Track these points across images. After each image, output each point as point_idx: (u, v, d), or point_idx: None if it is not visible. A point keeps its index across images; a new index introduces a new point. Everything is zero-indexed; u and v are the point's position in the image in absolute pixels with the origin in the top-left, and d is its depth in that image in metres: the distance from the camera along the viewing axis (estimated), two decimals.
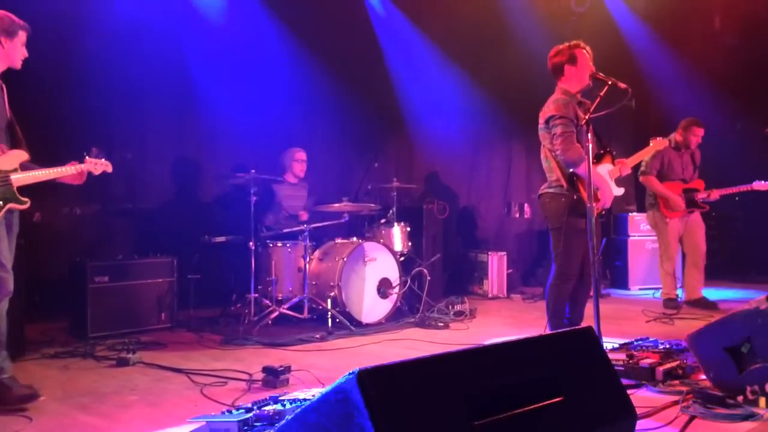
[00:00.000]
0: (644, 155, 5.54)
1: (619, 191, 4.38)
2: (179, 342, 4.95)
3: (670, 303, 6.22)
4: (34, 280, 4.85)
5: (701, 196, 6.26)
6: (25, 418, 3.18)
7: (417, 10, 7.67)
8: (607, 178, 4.27)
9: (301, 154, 6.27)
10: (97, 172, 3.80)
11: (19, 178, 3.50)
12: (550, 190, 4.23)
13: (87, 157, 3.75)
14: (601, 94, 3.81)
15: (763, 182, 6.22)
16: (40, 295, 5.29)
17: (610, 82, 3.82)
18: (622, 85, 3.78)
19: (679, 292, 6.38)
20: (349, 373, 1.73)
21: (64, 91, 5.62)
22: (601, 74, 3.95)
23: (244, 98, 6.70)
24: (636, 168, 5.69)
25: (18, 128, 3.64)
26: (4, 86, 3.58)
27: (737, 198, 9.17)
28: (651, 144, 5.50)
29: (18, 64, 3.59)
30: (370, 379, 1.72)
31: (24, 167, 3.56)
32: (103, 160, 3.82)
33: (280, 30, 6.89)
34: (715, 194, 6.25)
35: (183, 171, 6.63)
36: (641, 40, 8.64)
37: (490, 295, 7.28)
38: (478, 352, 2.06)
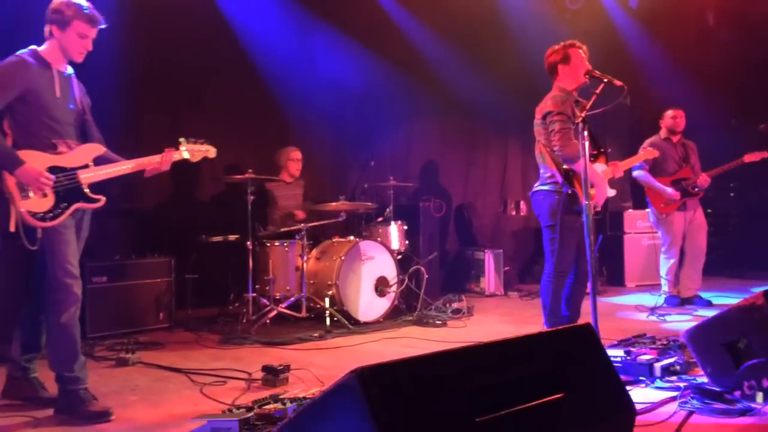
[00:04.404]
0: (635, 161, 5.63)
1: (612, 192, 4.41)
2: (178, 342, 4.96)
3: (673, 300, 6.22)
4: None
5: (689, 183, 6.13)
6: (27, 418, 3.18)
7: (411, 5, 7.65)
8: (602, 177, 4.29)
9: (297, 153, 6.29)
10: (195, 159, 3.53)
11: (90, 176, 3.22)
12: (544, 188, 4.25)
13: (182, 144, 3.50)
14: (597, 91, 3.82)
15: (754, 153, 6.16)
16: None
17: (605, 80, 3.83)
18: (618, 83, 3.78)
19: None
20: (351, 371, 1.74)
21: None
22: (596, 72, 3.97)
23: (239, 97, 6.69)
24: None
25: (91, 121, 3.38)
26: (74, 78, 3.32)
27: (732, 194, 9.25)
28: (641, 153, 5.70)
29: (76, 57, 3.23)
30: (372, 376, 1.73)
31: (101, 161, 3.28)
32: (203, 146, 3.56)
33: (274, 26, 6.89)
34: (704, 177, 6.10)
35: (180, 171, 6.58)
36: (636, 37, 8.66)
37: (487, 293, 7.29)
38: (479, 349, 2.07)
